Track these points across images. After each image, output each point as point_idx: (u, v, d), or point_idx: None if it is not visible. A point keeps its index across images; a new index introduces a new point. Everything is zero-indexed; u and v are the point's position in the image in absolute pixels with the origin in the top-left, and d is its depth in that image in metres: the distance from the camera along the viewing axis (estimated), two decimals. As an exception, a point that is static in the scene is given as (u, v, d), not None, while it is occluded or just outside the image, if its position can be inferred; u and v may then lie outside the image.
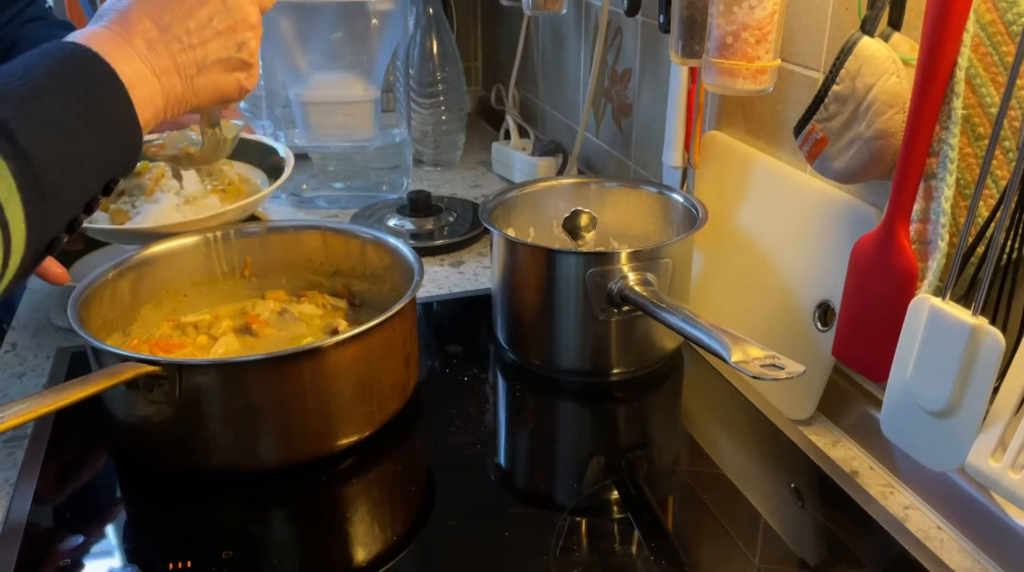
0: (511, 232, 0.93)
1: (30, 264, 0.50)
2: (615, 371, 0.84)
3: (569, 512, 0.67)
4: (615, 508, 0.69)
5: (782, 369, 0.61)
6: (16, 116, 0.47)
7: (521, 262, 0.84)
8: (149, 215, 0.86)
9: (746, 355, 0.62)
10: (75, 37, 0.56)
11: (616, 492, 0.70)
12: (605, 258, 0.78)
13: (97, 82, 0.54)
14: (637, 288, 0.77)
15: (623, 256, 0.78)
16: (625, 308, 0.79)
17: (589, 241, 0.95)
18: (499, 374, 0.87)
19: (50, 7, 1.45)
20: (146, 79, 0.58)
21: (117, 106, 0.55)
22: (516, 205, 0.94)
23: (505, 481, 0.73)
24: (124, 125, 0.56)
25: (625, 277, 0.77)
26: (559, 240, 0.96)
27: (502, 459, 0.76)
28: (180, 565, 0.61)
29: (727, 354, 0.63)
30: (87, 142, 0.51)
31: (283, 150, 0.97)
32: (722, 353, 0.64)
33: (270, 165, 0.97)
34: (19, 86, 0.49)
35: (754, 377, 0.60)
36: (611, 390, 0.84)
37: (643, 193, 0.94)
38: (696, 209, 0.86)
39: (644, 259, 0.78)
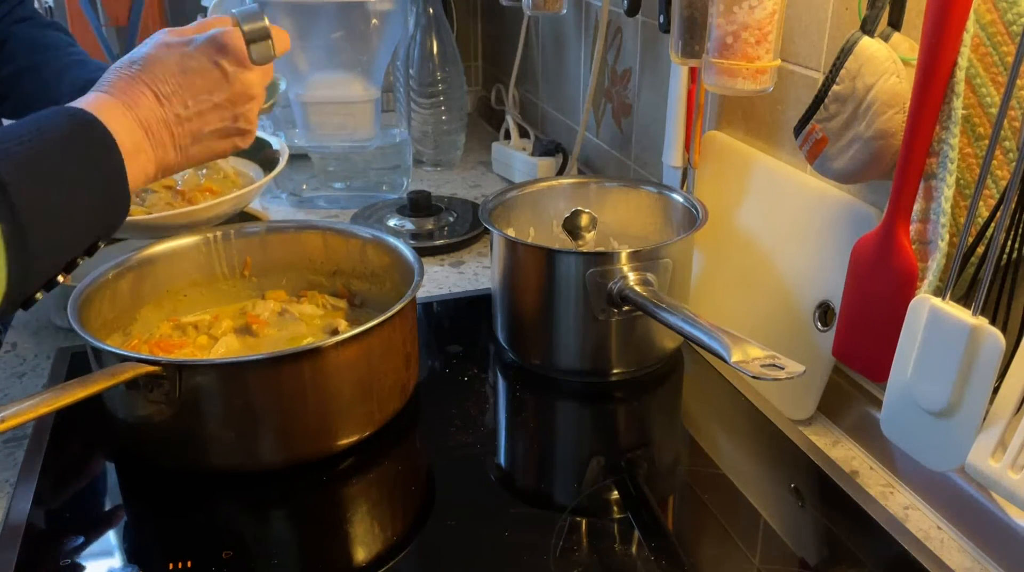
0: (511, 232, 0.93)
1: (2, 314, 0.51)
2: (615, 371, 0.84)
3: (569, 512, 0.67)
4: (615, 508, 0.69)
5: (782, 369, 0.61)
6: (15, 177, 0.48)
7: (521, 262, 0.84)
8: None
9: (746, 355, 0.62)
10: (81, 103, 0.58)
11: (616, 492, 0.70)
12: (605, 258, 0.78)
13: (96, 148, 0.56)
14: (637, 288, 0.77)
15: (623, 256, 0.78)
16: (625, 308, 0.78)
17: (589, 241, 0.95)
18: (499, 374, 0.87)
19: (50, 7, 1.45)
20: (142, 150, 0.60)
21: (111, 174, 0.57)
22: (516, 205, 0.94)
23: (505, 481, 0.73)
24: (115, 192, 0.57)
25: (625, 277, 0.77)
26: (559, 240, 0.96)
27: (502, 459, 0.76)
28: (180, 565, 0.61)
29: (727, 354, 0.63)
30: (80, 205, 0.53)
31: (277, 143, 0.97)
32: (722, 353, 0.63)
33: (264, 159, 0.97)
34: (21, 149, 0.51)
35: (754, 377, 0.60)
36: (611, 390, 0.84)
37: (643, 193, 0.94)
38: (696, 209, 0.86)
39: (644, 259, 0.78)
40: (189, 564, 0.61)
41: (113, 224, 0.58)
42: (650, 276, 0.78)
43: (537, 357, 0.86)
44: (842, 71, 0.63)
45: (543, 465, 0.77)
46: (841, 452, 0.75)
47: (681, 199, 0.90)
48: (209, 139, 0.66)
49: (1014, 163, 0.52)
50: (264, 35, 0.67)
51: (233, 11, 0.68)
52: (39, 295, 0.54)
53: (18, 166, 0.50)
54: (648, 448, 0.78)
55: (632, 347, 0.83)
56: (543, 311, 0.82)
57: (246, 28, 0.67)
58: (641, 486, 0.71)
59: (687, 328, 0.69)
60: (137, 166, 0.59)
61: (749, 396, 0.82)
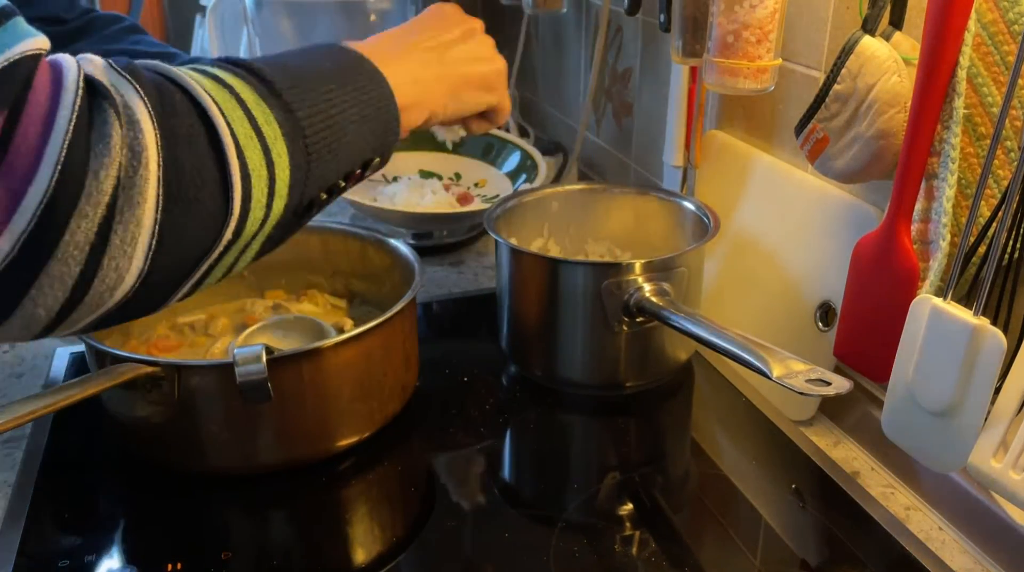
0: (514, 240, 0.91)
1: (291, 216, 0.49)
2: (627, 384, 0.82)
3: (569, 513, 0.67)
4: (616, 509, 0.68)
5: (828, 384, 0.58)
6: (283, 80, 0.48)
7: (529, 272, 0.82)
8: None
9: (788, 369, 0.60)
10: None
11: (617, 493, 0.70)
12: (620, 269, 0.75)
13: (362, 74, 0.55)
14: (654, 298, 0.74)
15: (638, 266, 0.75)
16: (639, 319, 0.76)
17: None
18: (499, 375, 0.87)
19: None
20: (408, 82, 0.60)
21: (380, 95, 0.56)
22: (521, 212, 0.92)
23: (505, 482, 0.73)
24: (386, 111, 0.56)
25: (640, 287, 0.75)
26: (565, 249, 0.95)
27: (502, 460, 0.76)
28: (179, 566, 0.61)
29: (768, 370, 0.60)
30: (349, 115, 0.52)
31: None
32: (762, 369, 0.61)
33: None
34: (289, 61, 0.52)
35: (801, 393, 0.58)
36: (615, 397, 0.84)
37: (651, 199, 0.92)
38: (707, 216, 0.84)
39: (660, 269, 0.76)
40: (188, 565, 0.61)
41: (387, 143, 0.57)
42: (666, 286, 0.76)
43: (543, 369, 0.84)
44: (843, 70, 0.63)
45: (543, 466, 0.76)
46: (842, 453, 0.75)
47: (691, 206, 0.88)
48: (457, 65, 0.66)
49: (1016, 163, 0.52)
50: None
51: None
52: (323, 196, 0.51)
53: (285, 71, 0.50)
54: (647, 449, 0.78)
55: (644, 359, 0.81)
56: (552, 322, 0.80)
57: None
58: (641, 487, 0.71)
59: (718, 341, 0.66)
60: (405, 93, 0.59)
61: (749, 396, 0.81)
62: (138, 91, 0.40)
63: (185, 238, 0.42)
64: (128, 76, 0.40)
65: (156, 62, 0.44)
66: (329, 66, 0.54)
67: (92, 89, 0.39)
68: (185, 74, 0.44)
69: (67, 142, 0.36)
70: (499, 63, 0.71)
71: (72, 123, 0.37)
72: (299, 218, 0.51)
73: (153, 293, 0.43)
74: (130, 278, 0.40)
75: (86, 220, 0.37)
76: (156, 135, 0.39)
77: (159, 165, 0.39)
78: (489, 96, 0.69)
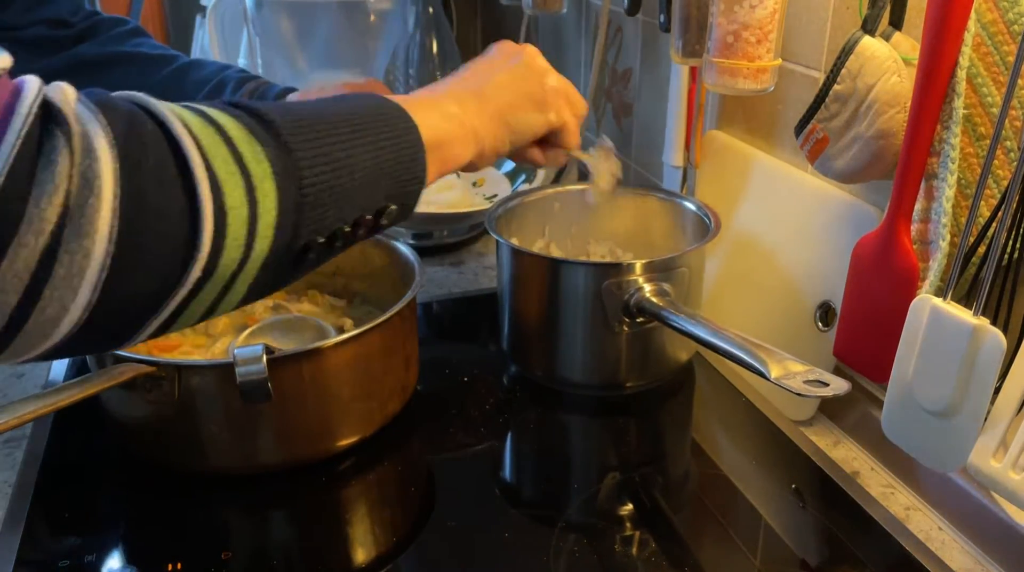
0: (515, 241, 0.90)
1: (282, 259, 0.46)
2: (628, 384, 0.82)
3: (569, 513, 0.67)
4: (615, 509, 0.68)
5: (826, 385, 0.58)
6: (287, 122, 0.46)
7: (530, 273, 0.82)
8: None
9: (786, 370, 0.60)
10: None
11: (617, 493, 0.70)
12: (620, 269, 0.75)
13: (385, 118, 0.53)
14: (654, 299, 0.74)
15: (638, 266, 0.75)
16: (639, 319, 0.76)
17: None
18: (499, 374, 0.87)
19: None
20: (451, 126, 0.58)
21: (405, 142, 0.53)
22: (522, 212, 0.92)
23: (505, 482, 0.73)
24: (409, 158, 0.53)
25: (641, 288, 0.75)
26: (566, 249, 0.95)
27: (502, 460, 0.76)
28: (179, 566, 0.61)
29: (766, 371, 0.60)
30: (361, 160, 0.50)
31: None
32: (761, 369, 0.61)
33: None
34: (307, 106, 0.50)
35: (798, 394, 0.58)
36: (613, 396, 0.84)
37: (651, 199, 0.92)
38: (708, 217, 0.84)
39: (661, 269, 0.76)
40: (188, 565, 0.61)
41: (406, 191, 0.54)
42: (666, 286, 0.76)
43: (543, 369, 0.84)
44: (843, 70, 0.63)
45: (543, 466, 0.76)
46: (842, 452, 0.75)
47: (692, 206, 0.87)
48: (500, 92, 0.63)
49: (1015, 163, 0.52)
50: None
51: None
52: (320, 240, 0.48)
53: (291, 114, 0.47)
54: (647, 449, 0.78)
55: (646, 359, 0.81)
56: (552, 322, 0.80)
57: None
58: (641, 487, 0.71)
59: (717, 341, 0.66)
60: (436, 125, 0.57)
61: (750, 397, 0.81)
62: (101, 120, 0.38)
63: (143, 272, 0.40)
64: (95, 106, 0.39)
65: (138, 94, 0.43)
66: (348, 111, 0.51)
67: (48, 115, 0.37)
68: (165, 107, 0.42)
69: (7, 169, 0.35)
70: (550, 79, 0.66)
71: (16, 149, 0.35)
72: (295, 263, 0.48)
73: (110, 327, 0.41)
74: (75, 311, 0.38)
75: (26, 249, 0.36)
76: (115, 166, 0.38)
77: (115, 195, 0.38)
78: (542, 115, 0.65)
